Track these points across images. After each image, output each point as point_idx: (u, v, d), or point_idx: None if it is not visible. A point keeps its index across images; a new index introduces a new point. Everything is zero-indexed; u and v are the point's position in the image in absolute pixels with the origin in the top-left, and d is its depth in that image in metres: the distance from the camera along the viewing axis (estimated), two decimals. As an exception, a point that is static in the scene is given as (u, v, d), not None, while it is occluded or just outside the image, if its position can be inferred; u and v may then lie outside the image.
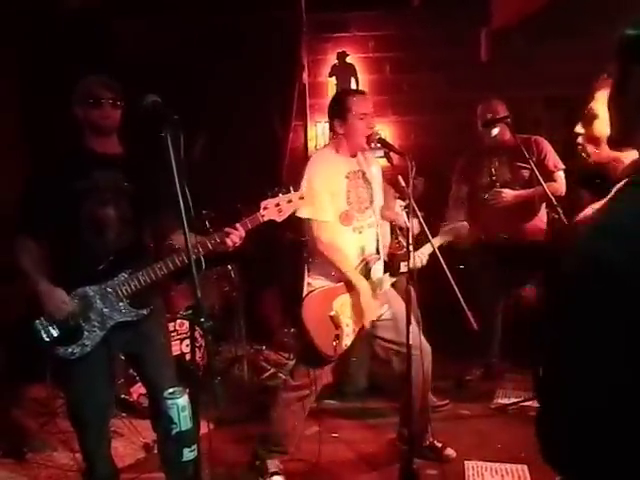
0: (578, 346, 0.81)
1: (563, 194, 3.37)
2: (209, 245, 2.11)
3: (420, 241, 2.70)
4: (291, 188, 2.23)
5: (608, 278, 0.79)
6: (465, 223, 2.90)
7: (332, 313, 2.59)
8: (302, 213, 2.56)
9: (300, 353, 2.78)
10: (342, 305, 2.63)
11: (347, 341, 2.66)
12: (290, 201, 2.23)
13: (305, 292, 2.63)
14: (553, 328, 0.87)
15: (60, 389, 3.03)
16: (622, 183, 0.89)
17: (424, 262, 2.69)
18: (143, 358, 2.34)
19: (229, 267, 3.94)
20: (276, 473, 2.74)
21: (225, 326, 3.92)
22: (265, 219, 2.20)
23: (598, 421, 0.78)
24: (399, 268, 2.51)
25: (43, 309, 2.11)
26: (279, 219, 2.23)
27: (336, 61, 4.69)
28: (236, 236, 2.14)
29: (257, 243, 3.97)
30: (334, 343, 2.59)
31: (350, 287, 2.64)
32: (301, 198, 2.25)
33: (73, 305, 2.14)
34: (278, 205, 2.21)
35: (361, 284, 2.61)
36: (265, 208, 2.20)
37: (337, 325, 2.60)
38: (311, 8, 4.40)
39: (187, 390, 1.59)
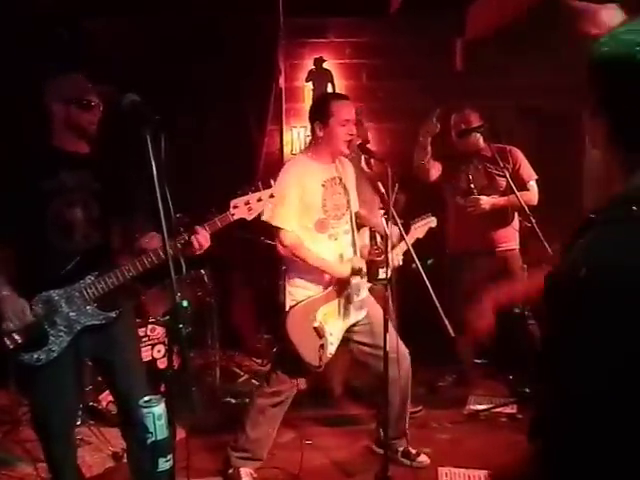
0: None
1: (535, 204, 3.44)
2: (178, 245, 2.05)
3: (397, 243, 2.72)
4: (260, 186, 2.19)
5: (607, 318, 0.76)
6: (433, 218, 2.93)
7: (316, 324, 2.59)
8: (267, 218, 2.53)
9: (280, 361, 2.75)
10: (325, 315, 2.63)
11: (332, 349, 2.66)
12: (260, 199, 2.20)
13: (287, 302, 2.62)
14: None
15: (25, 396, 2.93)
16: (601, 219, 0.83)
17: (400, 262, 2.69)
18: (112, 363, 2.28)
19: (202, 272, 3.89)
20: (249, 482, 2.71)
21: (198, 331, 3.85)
22: (235, 218, 2.17)
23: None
24: (377, 274, 2.51)
25: (2, 316, 2.04)
26: (249, 217, 2.20)
27: (313, 66, 4.69)
28: (202, 237, 2.10)
29: (231, 248, 3.94)
30: (319, 353, 2.59)
31: (331, 295, 2.63)
32: (271, 196, 2.22)
33: (32, 317, 2.07)
34: (248, 203, 2.18)
35: (340, 270, 2.61)
36: (235, 207, 2.16)
37: (321, 335, 2.60)
38: (289, 13, 4.39)
39: (163, 398, 1.55)
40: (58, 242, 2.12)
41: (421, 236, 2.90)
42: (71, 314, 2.11)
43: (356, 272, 2.63)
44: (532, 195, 3.47)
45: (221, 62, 4.25)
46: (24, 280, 2.10)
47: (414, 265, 2.52)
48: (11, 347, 2.06)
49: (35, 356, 2.08)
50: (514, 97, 4.31)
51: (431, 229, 2.91)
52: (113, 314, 2.20)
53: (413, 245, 2.79)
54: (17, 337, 2.06)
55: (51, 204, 2.10)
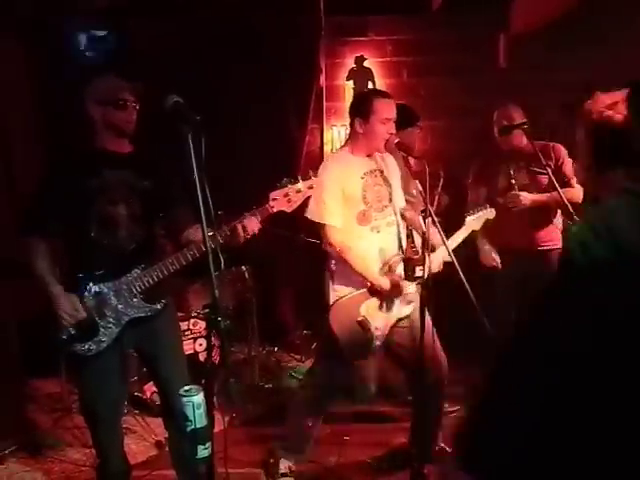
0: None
1: (580, 201, 3.34)
2: (219, 238, 2.09)
3: (438, 246, 2.69)
4: (299, 178, 2.20)
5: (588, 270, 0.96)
6: (492, 209, 2.89)
7: (360, 318, 2.59)
8: (311, 216, 2.56)
9: (323, 355, 2.78)
10: (370, 309, 2.63)
11: (377, 343, 2.66)
12: (299, 191, 2.20)
13: (332, 299, 2.62)
14: None
15: (75, 385, 3.07)
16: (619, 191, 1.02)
17: (441, 266, 2.67)
18: (155, 355, 2.36)
19: (243, 268, 3.96)
20: (285, 475, 2.75)
21: (238, 327, 3.94)
22: (275, 210, 2.19)
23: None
24: (414, 273, 2.50)
25: (55, 313, 2.14)
26: (289, 209, 2.21)
27: (354, 65, 4.69)
28: (253, 224, 2.14)
29: (272, 245, 3.99)
30: (364, 347, 2.60)
31: (374, 290, 2.62)
32: (310, 187, 2.22)
33: (84, 313, 2.16)
34: (287, 195, 2.19)
35: (380, 282, 2.60)
36: (274, 199, 2.18)
37: (366, 329, 2.60)
38: (330, 11, 4.41)
39: (202, 388, 1.61)
40: (104, 238, 2.20)
41: (477, 228, 2.87)
42: (119, 306, 2.20)
43: (396, 290, 2.62)
44: (577, 192, 3.37)
45: (262, 61, 4.31)
46: (73, 274, 2.20)
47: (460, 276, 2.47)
48: (64, 338, 2.17)
49: (86, 346, 2.17)
50: (559, 93, 4.20)
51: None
52: (158, 306, 2.27)
53: (468, 237, 2.79)
54: (70, 328, 2.17)
55: (96, 202, 2.18)
